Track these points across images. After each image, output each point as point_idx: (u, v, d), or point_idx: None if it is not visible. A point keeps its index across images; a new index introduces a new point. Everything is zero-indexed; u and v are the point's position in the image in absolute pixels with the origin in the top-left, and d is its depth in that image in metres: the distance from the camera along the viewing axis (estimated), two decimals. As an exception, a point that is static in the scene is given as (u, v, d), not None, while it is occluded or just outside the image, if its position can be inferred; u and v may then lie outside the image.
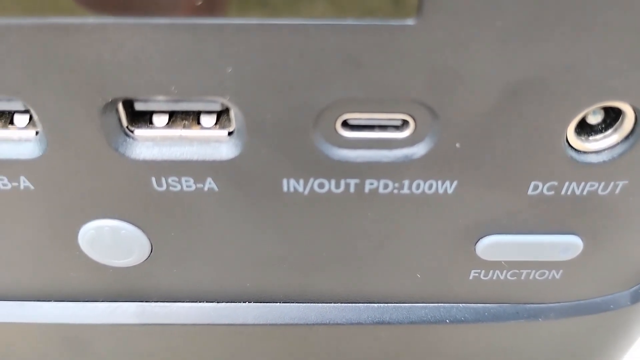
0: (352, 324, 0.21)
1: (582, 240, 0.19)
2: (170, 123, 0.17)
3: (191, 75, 0.15)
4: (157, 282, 0.21)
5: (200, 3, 0.14)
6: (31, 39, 0.14)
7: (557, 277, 0.21)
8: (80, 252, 0.20)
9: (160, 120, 0.17)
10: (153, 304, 0.21)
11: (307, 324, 0.21)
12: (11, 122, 0.17)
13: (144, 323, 0.21)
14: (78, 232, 0.19)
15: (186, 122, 0.17)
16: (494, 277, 0.21)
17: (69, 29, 0.14)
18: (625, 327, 0.24)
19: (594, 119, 0.17)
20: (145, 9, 0.14)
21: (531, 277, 0.21)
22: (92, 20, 0.14)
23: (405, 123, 0.16)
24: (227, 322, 0.21)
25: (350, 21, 0.14)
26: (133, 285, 0.21)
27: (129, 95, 0.15)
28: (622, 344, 0.25)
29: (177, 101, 0.17)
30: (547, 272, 0.20)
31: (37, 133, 0.17)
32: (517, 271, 0.20)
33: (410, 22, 0.14)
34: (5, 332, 0.22)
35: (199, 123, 0.17)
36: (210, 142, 0.17)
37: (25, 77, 0.15)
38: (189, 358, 0.23)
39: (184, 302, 0.21)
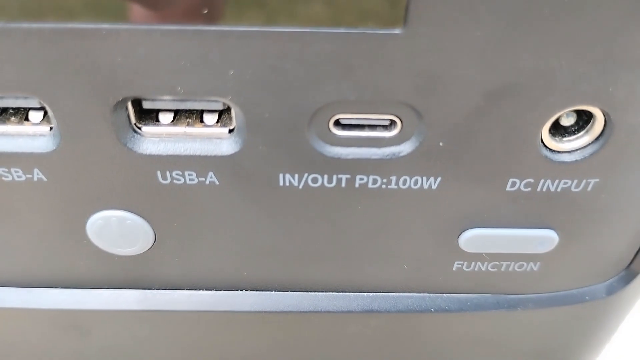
0: (343, 312, 0.23)
1: (557, 234, 0.21)
2: (175, 120, 0.18)
3: (196, 77, 0.16)
4: (159, 271, 0.22)
5: (206, 12, 0.15)
6: (49, 42, 0.16)
7: (535, 269, 0.22)
8: (88, 240, 0.21)
9: (165, 117, 0.18)
10: (155, 291, 0.23)
11: (301, 312, 0.23)
12: (26, 118, 0.19)
13: (145, 309, 0.23)
14: (86, 222, 0.20)
15: (190, 120, 0.19)
16: (476, 269, 0.22)
17: (84, 33, 0.15)
18: (602, 319, 0.25)
19: (567, 121, 0.18)
20: (154, 16, 0.15)
21: (511, 268, 0.22)
22: (106, 26, 0.15)
23: (392, 123, 0.18)
24: (224, 309, 0.23)
25: (342, 29, 0.15)
26: (136, 273, 0.22)
27: (139, 95, 0.17)
28: (599, 335, 0.27)
29: (182, 100, 0.18)
30: (525, 264, 0.22)
31: (51, 128, 0.18)
32: (498, 263, 0.22)
33: (397, 31, 0.15)
34: (14, 317, 0.24)
35: (201, 121, 0.19)
36: (212, 139, 0.18)
37: (43, 77, 0.16)
38: (187, 343, 0.25)
39: (184, 289, 0.23)
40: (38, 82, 0.16)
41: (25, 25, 0.15)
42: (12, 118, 0.19)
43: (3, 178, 0.19)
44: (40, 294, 0.23)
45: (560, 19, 0.15)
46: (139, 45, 0.16)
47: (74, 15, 0.15)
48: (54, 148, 0.18)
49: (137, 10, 0.15)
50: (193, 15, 0.15)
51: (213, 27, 0.15)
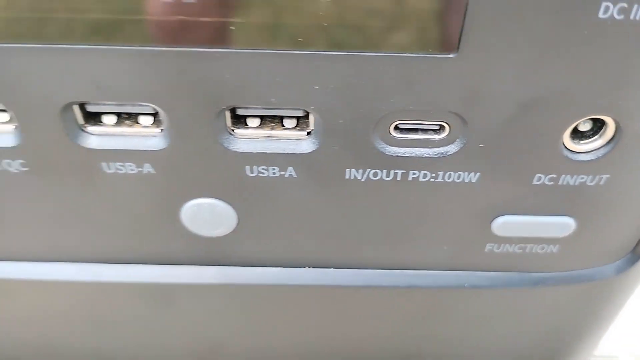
0: (390, 286, 0.27)
1: (574, 220, 0.25)
2: (261, 125, 0.22)
3: (287, 91, 0.20)
4: (237, 250, 0.26)
5: (301, 40, 0.19)
6: (172, 62, 0.20)
7: (555, 250, 0.26)
8: (181, 224, 0.25)
9: (253, 122, 0.22)
10: (232, 267, 0.27)
11: (355, 286, 0.27)
12: (136, 122, 0.23)
13: (223, 283, 0.27)
14: (181, 208, 0.24)
15: (273, 124, 0.23)
16: (505, 250, 0.26)
17: (200, 55, 0.20)
18: (610, 296, 0.29)
19: (584, 127, 0.22)
20: (256, 42, 0.19)
21: (534, 250, 0.26)
22: (218, 50, 0.19)
23: (442, 127, 0.22)
24: (290, 283, 0.27)
25: (407, 54, 0.19)
26: (218, 252, 0.26)
27: (240, 104, 0.21)
28: (607, 311, 0.31)
29: (269, 108, 0.22)
30: (546, 246, 0.26)
31: (161, 130, 0.22)
32: (523, 245, 0.26)
33: (451, 55, 0.19)
34: (111, 290, 0.28)
35: (282, 124, 0.23)
36: (293, 140, 0.22)
37: (164, 90, 0.20)
38: (258, 314, 0.29)
39: (257, 266, 0.27)
40: (159, 93, 0.20)
41: (153, 48, 0.19)
42: (126, 121, 0.23)
43: (118, 171, 0.23)
44: (134, 270, 0.27)
45: (582, 47, 0.19)
46: (244, 66, 0.20)
47: (193, 41, 0.19)
48: (164, 147, 0.22)
49: (244, 38, 0.19)
50: (288, 41, 0.19)
51: (304, 51, 0.19)
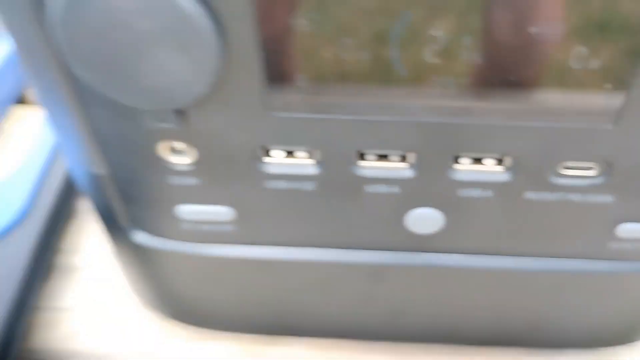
0: (537, 270, 0.39)
1: (671, 227, 0.36)
2: (473, 162, 0.35)
3: (501, 146, 0.32)
4: (438, 242, 0.39)
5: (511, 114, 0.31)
6: (431, 129, 0.32)
7: (656, 248, 0.38)
8: (403, 224, 0.37)
9: (465, 160, 0.35)
10: (432, 254, 0.39)
11: (505, 269, 0.39)
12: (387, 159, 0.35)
13: (425, 265, 0.39)
14: (406, 214, 0.37)
15: (477, 162, 0.35)
16: (621, 246, 0.38)
17: (449, 125, 0.32)
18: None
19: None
20: (490, 119, 0.31)
21: (641, 247, 0.38)
22: (462, 122, 0.32)
23: (591, 168, 0.34)
24: (473, 266, 0.39)
25: (582, 125, 0.31)
26: (424, 243, 0.39)
27: (468, 153, 0.33)
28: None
29: (475, 152, 0.34)
30: (650, 244, 0.38)
31: (410, 165, 0.35)
32: (634, 243, 0.38)
33: (609, 127, 0.31)
34: (342, 269, 0.41)
35: (480, 162, 0.35)
36: (494, 173, 0.34)
37: (422, 143, 0.33)
38: (444, 288, 0.41)
39: (451, 253, 0.39)
40: (420, 146, 0.33)
41: (421, 120, 0.32)
42: (378, 159, 0.35)
43: (374, 190, 0.36)
44: (362, 254, 0.40)
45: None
46: (477, 131, 0.32)
47: (445, 117, 0.31)
48: (412, 177, 0.35)
49: (480, 114, 0.31)
50: (508, 118, 0.31)
51: (516, 123, 0.31)
